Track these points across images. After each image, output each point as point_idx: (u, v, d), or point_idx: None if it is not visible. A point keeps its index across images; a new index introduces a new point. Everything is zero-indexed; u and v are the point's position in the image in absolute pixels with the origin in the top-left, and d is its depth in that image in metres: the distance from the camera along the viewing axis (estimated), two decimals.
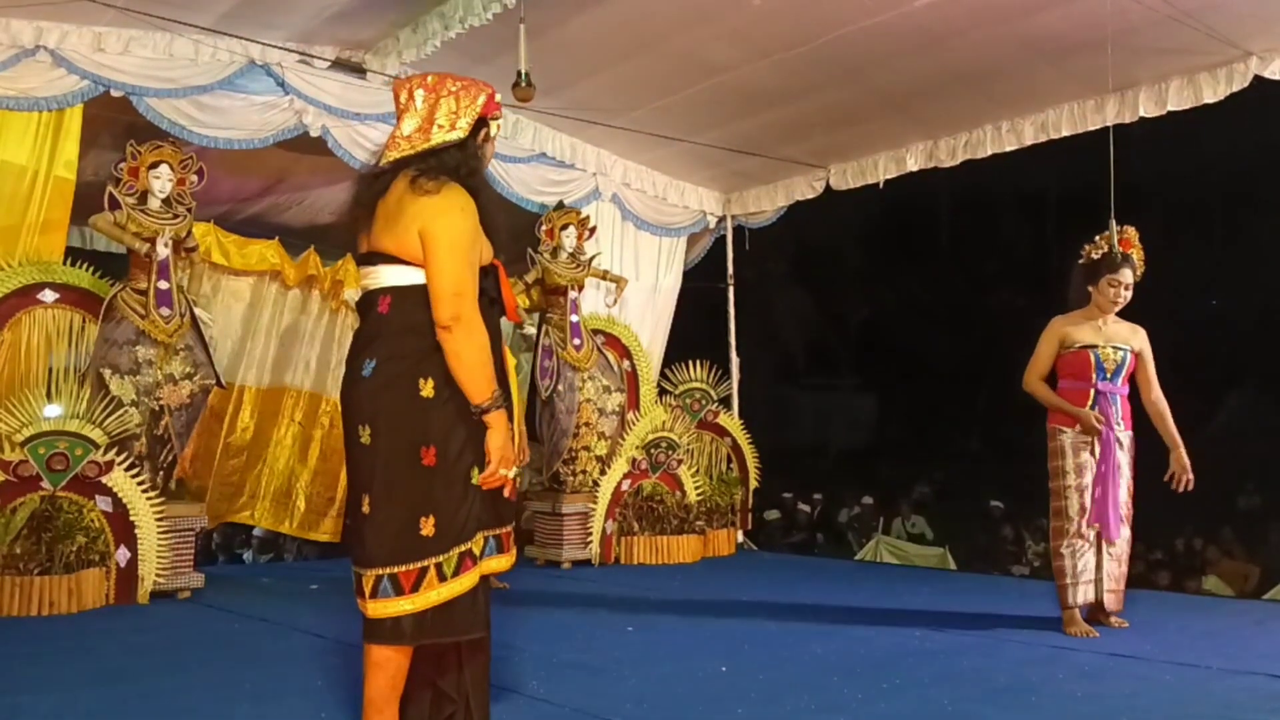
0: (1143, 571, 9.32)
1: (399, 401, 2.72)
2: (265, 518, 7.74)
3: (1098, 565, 4.79)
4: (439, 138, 2.82)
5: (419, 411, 2.71)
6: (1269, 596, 7.46)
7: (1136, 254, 4.89)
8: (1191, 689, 3.77)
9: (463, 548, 2.74)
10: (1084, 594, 4.77)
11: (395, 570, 2.70)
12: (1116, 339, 4.85)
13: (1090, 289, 4.87)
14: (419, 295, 2.74)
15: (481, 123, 2.88)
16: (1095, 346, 4.82)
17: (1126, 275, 4.82)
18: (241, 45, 6.30)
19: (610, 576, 6.68)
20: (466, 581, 2.74)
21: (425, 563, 2.70)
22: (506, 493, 2.82)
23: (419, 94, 2.86)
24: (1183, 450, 4.80)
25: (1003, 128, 7.09)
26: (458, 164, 2.81)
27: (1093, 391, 4.80)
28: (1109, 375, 4.81)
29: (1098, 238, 4.90)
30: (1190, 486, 4.75)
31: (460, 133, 2.83)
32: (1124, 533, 4.83)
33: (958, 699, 3.61)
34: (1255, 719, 3.40)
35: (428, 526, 2.70)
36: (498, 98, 2.95)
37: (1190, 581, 8.90)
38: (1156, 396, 4.91)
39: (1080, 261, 4.94)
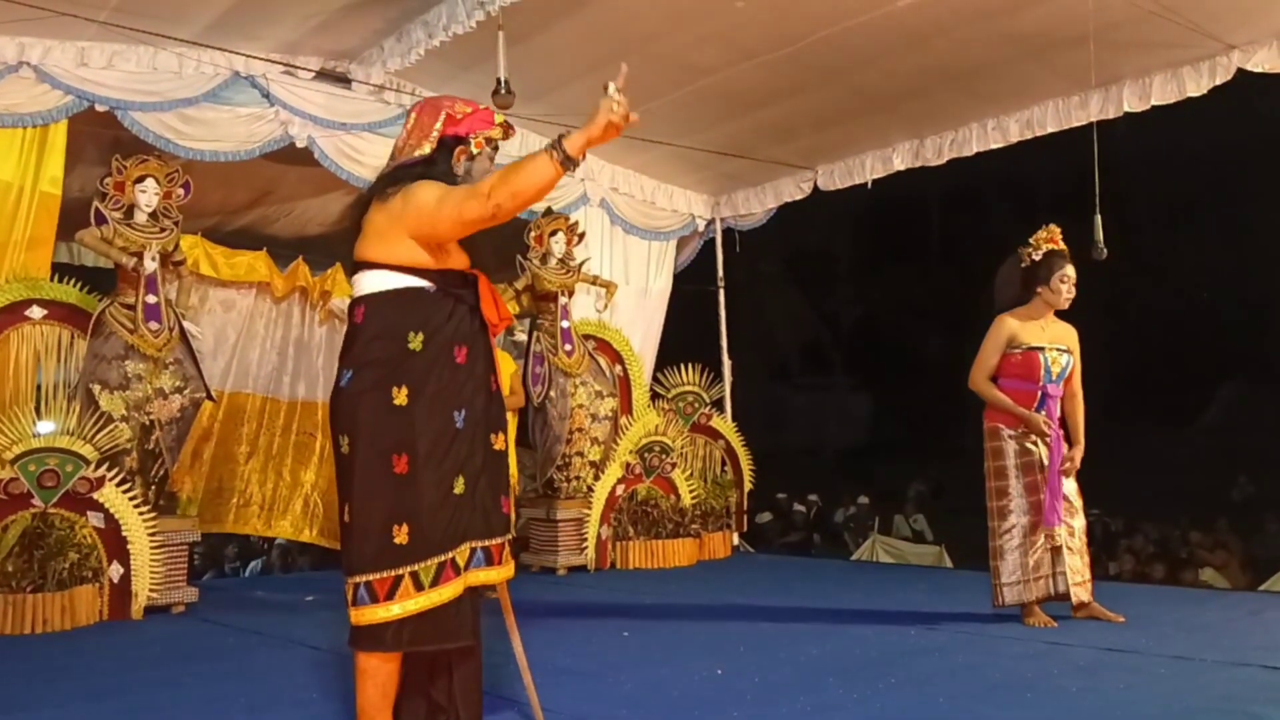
0: (1137, 565, 9.33)
1: (373, 410, 2.73)
2: (281, 527, 7.70)
3: (1054, 561, 4.80)
4: (408, 154, 2.90)
5: (392, 419, 2.72)
6: (1264, 588, 7.45)
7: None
8: (1188, 682, 3.77)
9: (443, 558, 2.73)
10: (1039, 590, 4.78)
11: (370, 578, 2.71)
12: (1059, 341, 4.89)
13: (1039, 289, 4.89)
14: (391, 302, 2.76)
15: (456, 141, 2.90)
16: (1043, 349, 4.84)
17: (1072, 270, 4.87)
18: (225, 57, 6.30)
19: (606, 581, 6.67)
20: (447, 592, 2.73)
21: (399, 570, 2.70)
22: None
23: (412, 115, 2.97)
24: (1081, 450, 4.88)
25: (988, 125, 7.11)
26: (420, 176, 2.82)
27: (1040, 394, 4.82)
28: (1054, 378, 4.84)
29: (1031, 240, 4.95)
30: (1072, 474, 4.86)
31: (426, 149, 2.88)
32: (1079, 523, 4.87)
33: (954, 696, 3.61)
34: (1252, 710, 3.39)
35: (401, 534, 2.70)
36: (498, 119, 2.97)
37: (1185, 574, 8.89)
38: (1077, 389, 4.96)
39: (1022, 265, 4.95)
